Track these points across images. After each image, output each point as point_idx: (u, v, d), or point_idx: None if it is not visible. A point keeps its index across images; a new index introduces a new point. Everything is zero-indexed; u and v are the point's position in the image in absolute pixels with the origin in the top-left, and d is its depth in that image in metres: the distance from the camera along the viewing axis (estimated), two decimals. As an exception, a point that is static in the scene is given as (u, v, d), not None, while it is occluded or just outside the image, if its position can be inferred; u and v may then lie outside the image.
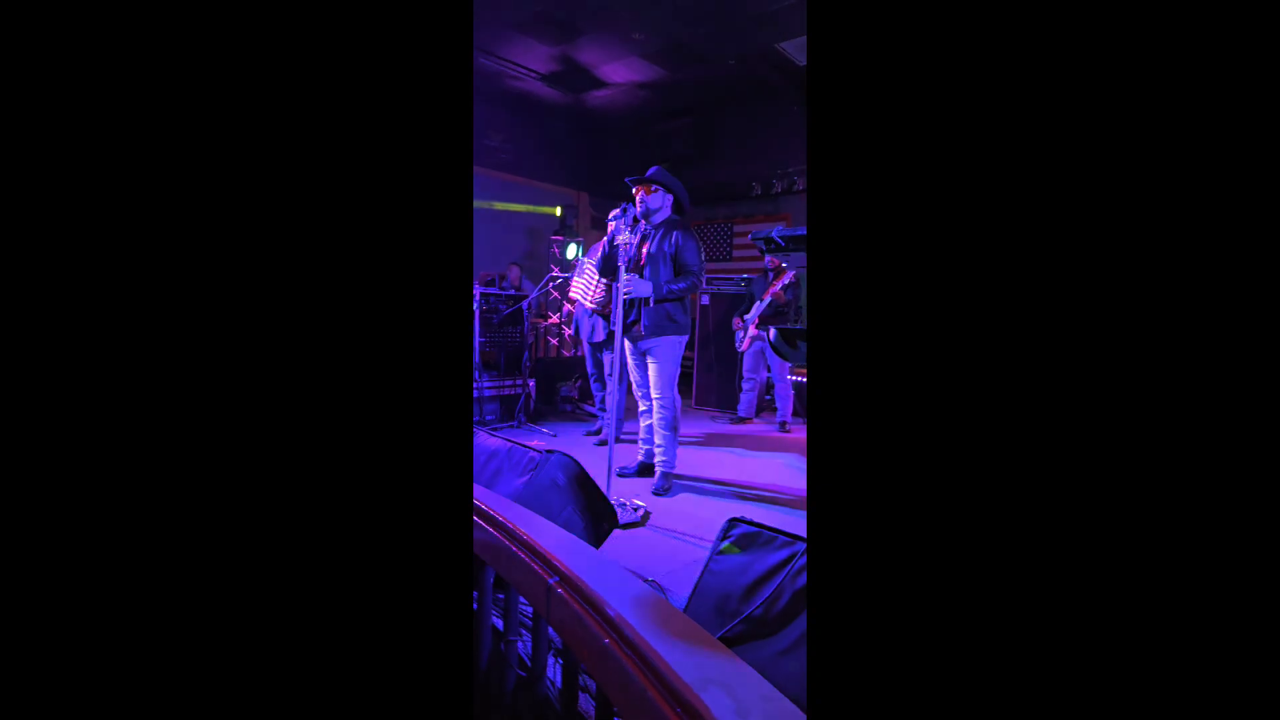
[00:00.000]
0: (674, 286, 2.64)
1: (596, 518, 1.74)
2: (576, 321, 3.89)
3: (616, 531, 2.19)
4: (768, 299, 4.25)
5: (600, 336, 3.74)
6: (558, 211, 5.82)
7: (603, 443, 3.64)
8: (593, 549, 1.04)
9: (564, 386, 4.75)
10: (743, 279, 4.90)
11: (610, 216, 2.71)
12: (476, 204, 6.26)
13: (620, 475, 2.91)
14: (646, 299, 2.64)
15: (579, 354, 4.47)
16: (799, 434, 4.23)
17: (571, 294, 3.84)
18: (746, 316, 4.40)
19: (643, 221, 2.73)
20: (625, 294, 2.62)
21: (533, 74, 5.66)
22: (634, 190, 2.73)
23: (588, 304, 3.70)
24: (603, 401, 3.95)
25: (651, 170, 2.75)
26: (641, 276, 2.68)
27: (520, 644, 1.18)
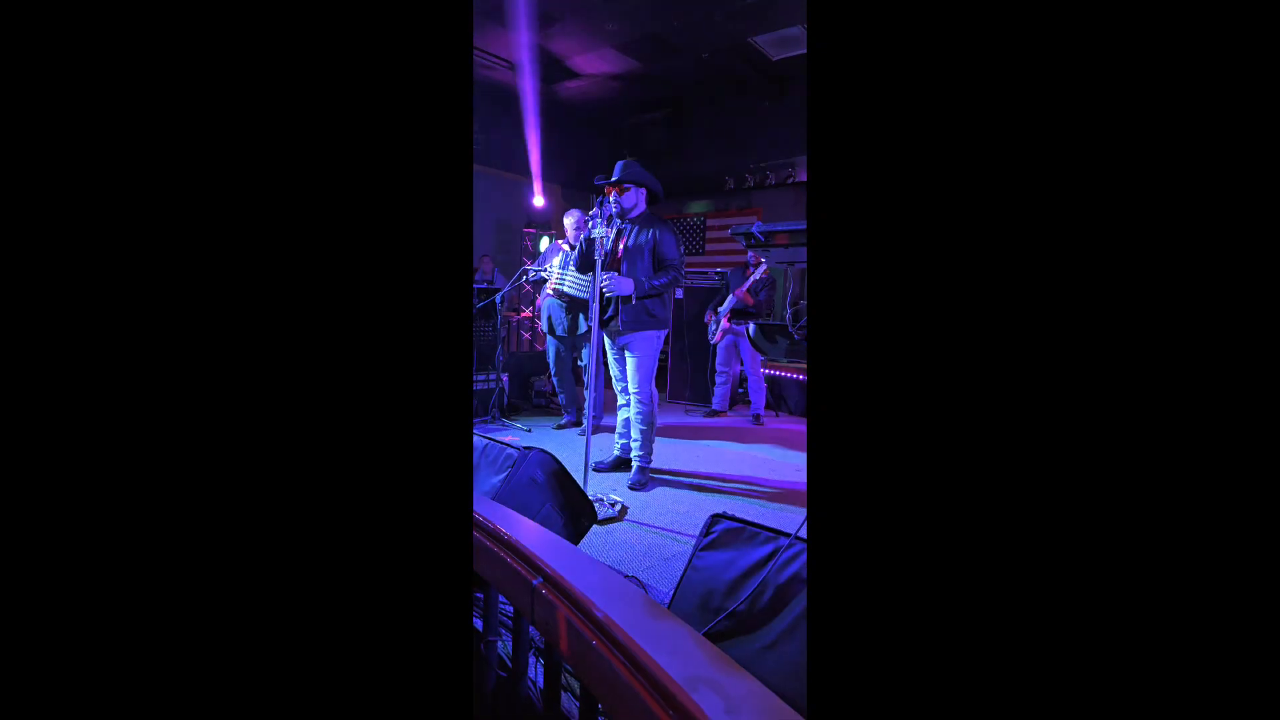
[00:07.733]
0: (656, 282, 2.60)
1: (575, 514, 1.73)
2: (548, 314, 3.85)
3: (595, 527, 2.18)
4: (736, 297, 4.26)
5: (562, 329, 3.71)
6: (540, 202, 5.76)
7: (582, 432, 3.62)
8: (574, 547, 1.03)
9: (538, 381, 4.72)
10: (718, 272, 4.91)
11: (589, 215, 2.67)
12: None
13: (596, 470, 2.90)
14: (628, 296, 2.62)
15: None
16: (773, 426, 4.26)
17: (549, 288, 3.81)
18: (720, 310, 4.42)
19: (616, 219, 2.71)
20: (606, 292, 2.59)
21: (504, 63, 5.57)
22: (607, 190, 2.69)
23: (549, 291, 3.70)
24: (567, 400, 3.96)
25: (620, 166, 2.70)
26: (619, 273, 2.66)
27: (500, 644, 1.16)
